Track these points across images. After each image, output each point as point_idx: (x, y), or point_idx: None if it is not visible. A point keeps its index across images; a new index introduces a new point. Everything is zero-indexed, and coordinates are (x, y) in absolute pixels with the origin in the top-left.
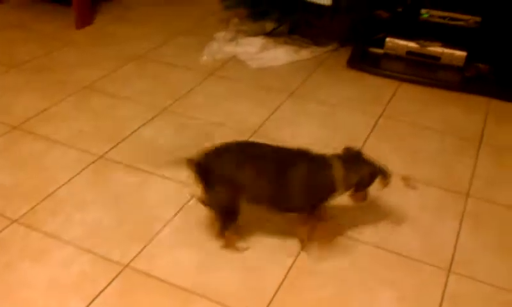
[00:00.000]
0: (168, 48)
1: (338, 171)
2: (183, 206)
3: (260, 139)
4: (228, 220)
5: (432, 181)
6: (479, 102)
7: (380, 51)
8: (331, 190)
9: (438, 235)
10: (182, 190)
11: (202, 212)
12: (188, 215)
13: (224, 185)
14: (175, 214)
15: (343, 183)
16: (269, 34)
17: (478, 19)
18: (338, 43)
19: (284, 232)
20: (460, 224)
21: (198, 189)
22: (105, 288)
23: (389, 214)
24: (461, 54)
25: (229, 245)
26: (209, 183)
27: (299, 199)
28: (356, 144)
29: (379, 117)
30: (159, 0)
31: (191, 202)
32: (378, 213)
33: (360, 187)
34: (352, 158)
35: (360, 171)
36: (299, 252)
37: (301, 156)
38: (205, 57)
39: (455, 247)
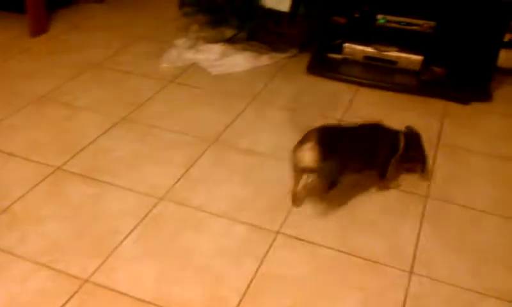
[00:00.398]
0: (126, 56)
1: (401, 142)
2: (143, 217)
3: (222, 147)
4: (331, 188)
5: (392, 184)
6: (435, 105)
7: (338, 56)
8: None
9: (399, 236)
10: (141, 201)
11: (163, 222)
12: (148, 226)
13: (338, 161)
14: (135, 225)
15: (402, 152)
16: (228, 41)
17: (433, 24)
18: (298, 49)
19: (244, 239)
20: (420, 225)
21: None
22: (65, 303)
23: (351, 217)
24: (417, 58)
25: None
26: (326, 156)
27: (382, 161)
28: None
29: (339, 121)
30: (117, 7)
31: (152, 212)
32: (340, 217)
33: (410, 159)
34: (411, 136)
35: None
36: (262, 259)
37: (381, 130)
38: (164, 65)
39: (416, 248)
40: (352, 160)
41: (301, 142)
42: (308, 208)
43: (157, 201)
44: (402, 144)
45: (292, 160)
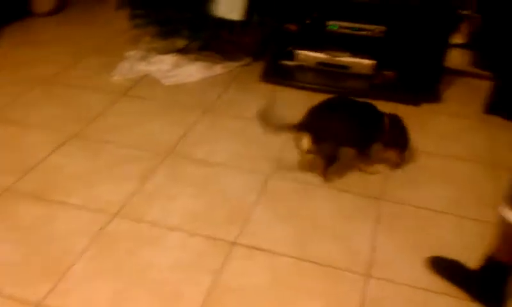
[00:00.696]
0: (76, 70)
1: (386, 123)
2: (96, 235)
3: (177, 159)
4: (330, 164)
5: (347, 188)
6: (387, 108)
7: (292, 63)
8: (380, 135)
9: (357, 240)
10: (94, 219)
11: (117, 240)
12: (102, 245)
13: (330, 139)
14: (88, 245)
15: (387, 133)
16: (181, 51)
17: (383, 29)
18: (251, 57)
19: (200, 252)
20: (376, 227)
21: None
22: None
23: (308, 224)
24: (368, 62)
25: (327, 177)
26: (318, 138)
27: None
28: (273, 155)
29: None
30: (68, 21)
31: (106, 229)
32: (297, 224)
33: (393, 142)
34: (394, 119)
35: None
36: (219, 272)
37: (369, 111)
38: (116, 78)
39: (372, 251)
40: (343, 139)
41: (299, 128)
42: (265, 217)
43: (111, 218)
44: (387, 125)
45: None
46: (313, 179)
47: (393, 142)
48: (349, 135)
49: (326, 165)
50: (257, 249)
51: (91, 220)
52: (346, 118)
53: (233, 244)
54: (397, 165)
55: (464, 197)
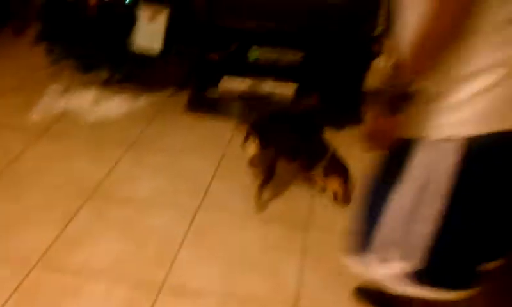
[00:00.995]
0: None
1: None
2: (15, 289)
3: (100, 200)
4: (268, 178)
5: (275, 218)
6: None
7: (216, 93)
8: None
9: (283, 273)
10: (14, 271)
11: (38, 293)
12: (22, 299)
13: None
14: (6, 300)
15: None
16: (102, 85)
17: (302, 54)
18: (175, 88)
19: (127, 299)
20: (302, 259)
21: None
22: None
23: (234, 259)
24: (291, 88)
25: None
26: (263, 143)
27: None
28: (201, 188)
29: (221, 159)
30: None
31: (26, 282)
32: (224, 260)
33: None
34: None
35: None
36: None
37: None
38: (35, 115)
39: (299, 285)
40: (283, 153)
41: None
42: (192, 255)
43: (30, 269)
44: (330, 151)
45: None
46: (241, 210)
47: (336, 169)
48: (293, 147)
49: (265, 179)
50: (185, 288)
51: (9, 273)
52: (293, 130)
53: (161, 286)
54: (345, 199)
55: None
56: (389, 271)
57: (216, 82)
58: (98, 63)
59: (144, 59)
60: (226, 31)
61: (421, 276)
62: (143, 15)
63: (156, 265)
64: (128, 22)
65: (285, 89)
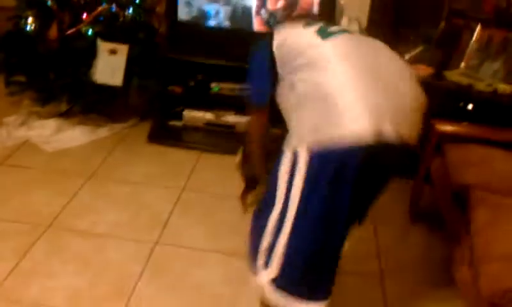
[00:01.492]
0: None
1: None
2: None
3: (58, 232)
4: (250, 187)
5: (235, 252)
6: None
7: (179, 123)
8: None
9: None
10: None
11: None
12: None
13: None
14: None
15: None
16: (63, 115)
17: None
18: (138, 118)
19: None
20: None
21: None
22: None
23: (193, 293)
24: None
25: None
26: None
27: None
28: (160, 222)
29: (182, 191)
30: None
31: None
32: (182, 295)
33: None
34: None
35: None
36: None
37: None
38: None
39: None
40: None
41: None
42: (149, 290)
43: None
44: None
45: None
46: (201, 244)
47: None
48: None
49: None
50: None
51: None
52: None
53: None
54: None
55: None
56: (260, 279)
57: (178, 113)
58: (57, 94)
59: (105, 91)
60: (187, 65)
61: (278, 284)
62: (104, 48)
63: (112, 300)
64: (89, 55)
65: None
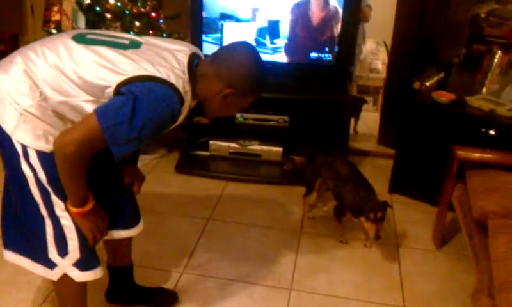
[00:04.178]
0: None
1: None
2: None
3: None
4: (307, 190)
5: (260, 280)
6: (297, 193)
7: (206, 153)
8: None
9: None
10: None
11: None
12: None
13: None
14: None
15: None
16: None
17: (287, 118)
18: (167, 149)
19: None
20: None
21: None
22: None
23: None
24: (277, 149)
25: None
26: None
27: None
28: (187, 251)
29: (208, 220)
30: None
31: None
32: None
33: None
34: None
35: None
36: None
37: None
38: None
39: None
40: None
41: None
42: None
43: None
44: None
45: None
46: (226, 274)
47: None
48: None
49: (306, 191)
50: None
51: None
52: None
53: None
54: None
55: (371, 281)
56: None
57: (204, 143)
58: None
59: None
60: None
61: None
62: None
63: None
64: None
65: (271, 151)
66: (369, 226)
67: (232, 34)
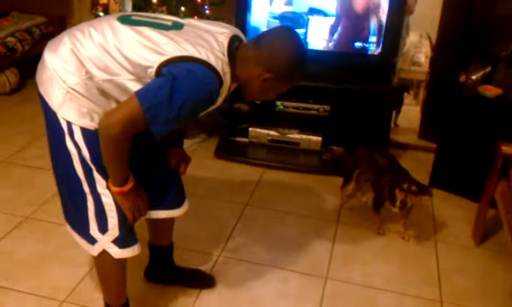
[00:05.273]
0: (32, 150)
1: None
2: None
3: None
4: (345, 180)
5: (295, 267)
6: (336, 183)
7: (245, 140)
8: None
9: None
10: (42, 305)
11: None
12: None
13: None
14: None
15: None
16: None
17: (328, 108)
18: (206, 134)
19: None
20: None
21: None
22: None
23: (250, 305)
24: (317, 139)
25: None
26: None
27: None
28: (224, 235)
29: (245, 206)
30: (25, 100)
31: None
32: (239, 303)
33: None
34: None
35: None
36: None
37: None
38: None
39: None
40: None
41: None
42: (211, 299)
43: (58, 304)
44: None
45: None
46: (262, 259)
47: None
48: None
49: (344, 181)
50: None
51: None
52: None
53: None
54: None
55: (407, 274)
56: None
57: (244, 130)
58: None
59: None
60: None
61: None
62: None
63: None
64: None
65: (311, 140)
66: (400, 195)
67: (317, 29)
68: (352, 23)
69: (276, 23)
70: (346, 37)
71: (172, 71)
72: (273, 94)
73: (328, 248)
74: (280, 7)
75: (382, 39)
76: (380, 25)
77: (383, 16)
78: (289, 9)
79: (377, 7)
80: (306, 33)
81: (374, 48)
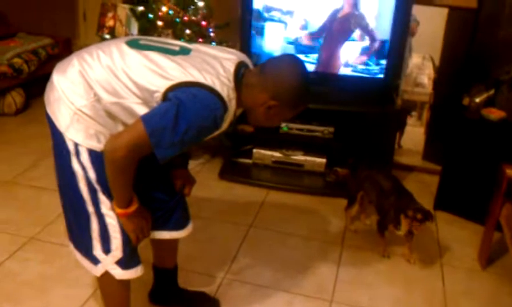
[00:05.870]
0: (38, 170)
1: None
2: None
3: None
4: (350, 202)
5: (300, 290)
6: (340, 205)
7: (249, 161)
8: None
9: None
10: None
11: None
12: None
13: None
14: None
15: None
16: None
17: (332, 129)
18: (210, 155)
19: None
20: None
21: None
22: None
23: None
24: (321, 160)
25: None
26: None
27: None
28: (228, 257)
29: (250, 227)
30: (30, 120)
31: None
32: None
33: None
34: None
35: None
36: None
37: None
38: None
39: None
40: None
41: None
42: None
43: None
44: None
45: None
46: (266, 281)
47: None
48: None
49: (348, 203)
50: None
51: None
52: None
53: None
54: None
55: (413, 298)
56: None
57: (248, 151)
58: None
59: None
60: None
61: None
62: None
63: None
64: None
65: (315, 162)
66: (405, 222)
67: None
68: (352, 45)
69: (291, 48)
70: (349, 59)
71: (178, 96)
72: (278, 121)
73: (333, 271)
74: (295, 32)
75: (386, 62)
76: (383, 48)
77: (387, 37)
78: (304, 33)
79: (365, 27)
80: (319, 58)
81: (377, 70)
